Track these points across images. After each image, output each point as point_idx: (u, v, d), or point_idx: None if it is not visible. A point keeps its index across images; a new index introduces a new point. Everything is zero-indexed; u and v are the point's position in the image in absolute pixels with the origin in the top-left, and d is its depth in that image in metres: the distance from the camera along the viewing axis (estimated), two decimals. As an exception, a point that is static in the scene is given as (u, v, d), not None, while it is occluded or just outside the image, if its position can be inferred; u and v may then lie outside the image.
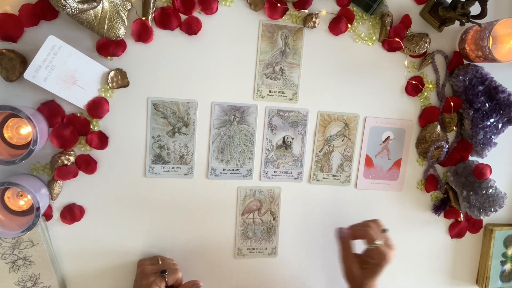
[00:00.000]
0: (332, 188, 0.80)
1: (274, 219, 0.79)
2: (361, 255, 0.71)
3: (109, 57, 0.66)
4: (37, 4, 0.61)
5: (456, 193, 0.83)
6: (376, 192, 0.82)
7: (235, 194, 0.76)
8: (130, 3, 0.65)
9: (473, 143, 0.81)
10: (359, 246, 0.72)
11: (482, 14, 0.71)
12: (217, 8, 0.69)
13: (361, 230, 0.71)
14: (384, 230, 0.71)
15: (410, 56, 0.78)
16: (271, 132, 0.76)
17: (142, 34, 0.66)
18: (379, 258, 0.67)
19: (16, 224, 0.62)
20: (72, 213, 0.68)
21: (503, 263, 0.89)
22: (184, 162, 0.73)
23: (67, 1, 0.53)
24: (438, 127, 0.81)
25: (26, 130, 0.63)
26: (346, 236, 0.73)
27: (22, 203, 0.64)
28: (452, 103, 0.80)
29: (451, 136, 0.83)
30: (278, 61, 0.74)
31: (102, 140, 0.68)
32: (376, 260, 0.67)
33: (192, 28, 0.68)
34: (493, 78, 0.79)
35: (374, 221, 0.73)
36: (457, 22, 0.74)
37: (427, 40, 0.77)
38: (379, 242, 0.68)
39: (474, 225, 0.88)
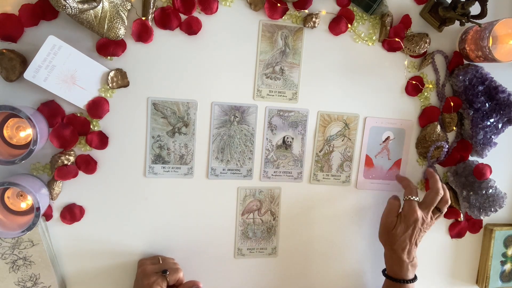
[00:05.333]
0: (332, 188, 0.80)
1: (274, 219, 0.79)
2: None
3: (109, 57, 0.66)
4: (37, 4, 0.61)
5: (456, 193, 0.83)
6: (376, 192, 0.82)
7: (235, 194, 0.76)
8: (130, 3, 0.65)
9: (473, 143, 0.81)
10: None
11: (482, 14, 0.71)
12: (217, 8, 0.69)
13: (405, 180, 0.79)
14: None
15: (410, 56, 0.78)
16: (271, 132, 0.76)
17: (142, 34, 0.66)
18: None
19: (16, 224, 0.62)
20: (72, 213, 0.68)
21: (503, 263, 0.89)
22: (184, 162, 0.73)
23: (67, 1, 0.53)
24: (438, 127, 0.81)
25: (26, 131, 0.63)
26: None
27: (24, 206, 0.64)
28: (452, 103, 0.79)
29: (451, 136, 0.83)
30: (278, 61, 0.74)
31: (102, 140, 0.68)
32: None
33: (192, 28, 0.68)
34: (493, 78, 0.78)
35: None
36: (457, 22, 0.74)
37: (427, 40, 0.77)
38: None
39: (474, 225, 0.88)
